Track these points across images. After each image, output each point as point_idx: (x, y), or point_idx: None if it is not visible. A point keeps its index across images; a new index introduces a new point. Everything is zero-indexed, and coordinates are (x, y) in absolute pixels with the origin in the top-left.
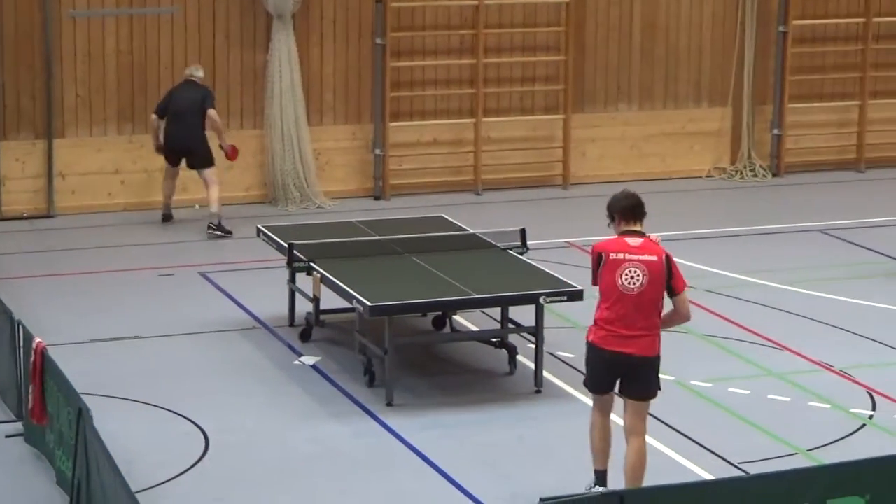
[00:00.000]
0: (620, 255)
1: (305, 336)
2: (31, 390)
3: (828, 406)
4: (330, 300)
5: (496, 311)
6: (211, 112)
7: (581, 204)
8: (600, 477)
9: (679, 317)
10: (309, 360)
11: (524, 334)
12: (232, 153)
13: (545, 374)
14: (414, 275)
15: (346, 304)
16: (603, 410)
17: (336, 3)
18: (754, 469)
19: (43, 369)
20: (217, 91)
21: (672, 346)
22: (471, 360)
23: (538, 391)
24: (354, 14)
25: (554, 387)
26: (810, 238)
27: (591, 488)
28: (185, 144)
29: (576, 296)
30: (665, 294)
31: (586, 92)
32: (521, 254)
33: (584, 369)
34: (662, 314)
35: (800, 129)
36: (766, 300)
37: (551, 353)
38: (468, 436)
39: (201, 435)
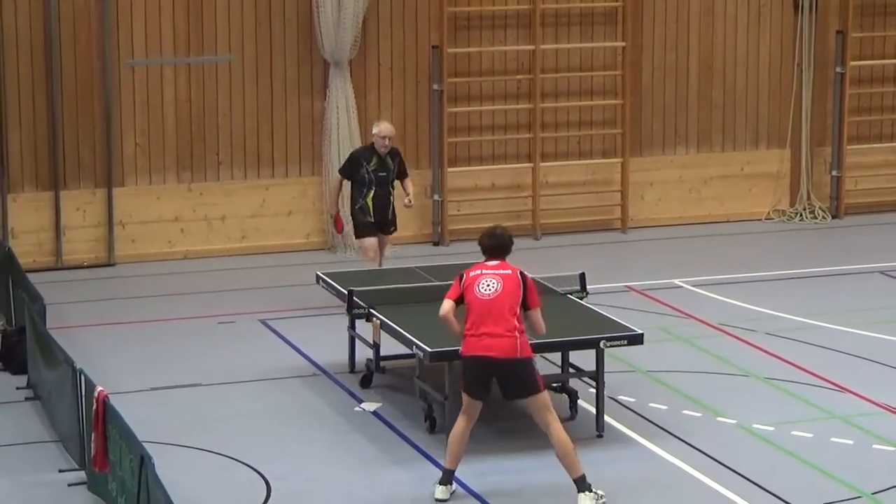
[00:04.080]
0: (478, 272)
1: (366, 382)
2: (93, 438)
3: (892, 448)
4: (390, 346)
5: (556, 356)
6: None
7: (640, 248)
8: (447, 475)
9: (533, 329)
10: (370, 406)
11: (585, 379)
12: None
13: (606, 418)
14: None
15: (406, 350)
16: (468, 415)
17: (392, 49)
18: None
19: (105, 417)
20: (274, 139)
21: (733, 390)
22: None
23: (600, 436)
24: (411, 60)
25: (616, 431)
26: (871, 280)
27: (435, 484)
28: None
29: (636, 340)
30: (521, 307)
31: (643, 135)
32: (581, 298)
33: (645, 413)
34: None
35: (859, 171)
36: (828, 342)
37: (612, 398)
38: (530, 481)
39: (263, 482)
